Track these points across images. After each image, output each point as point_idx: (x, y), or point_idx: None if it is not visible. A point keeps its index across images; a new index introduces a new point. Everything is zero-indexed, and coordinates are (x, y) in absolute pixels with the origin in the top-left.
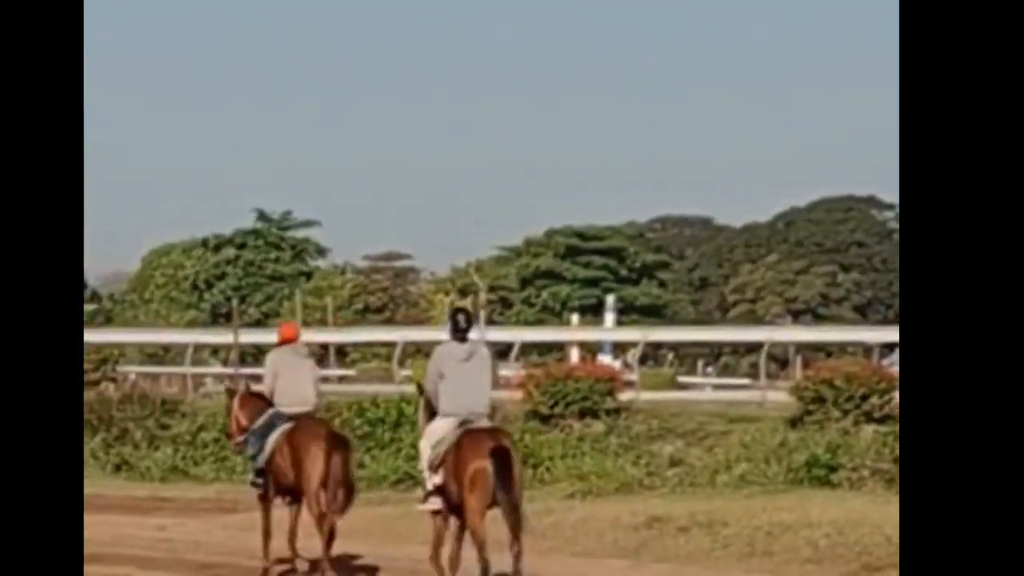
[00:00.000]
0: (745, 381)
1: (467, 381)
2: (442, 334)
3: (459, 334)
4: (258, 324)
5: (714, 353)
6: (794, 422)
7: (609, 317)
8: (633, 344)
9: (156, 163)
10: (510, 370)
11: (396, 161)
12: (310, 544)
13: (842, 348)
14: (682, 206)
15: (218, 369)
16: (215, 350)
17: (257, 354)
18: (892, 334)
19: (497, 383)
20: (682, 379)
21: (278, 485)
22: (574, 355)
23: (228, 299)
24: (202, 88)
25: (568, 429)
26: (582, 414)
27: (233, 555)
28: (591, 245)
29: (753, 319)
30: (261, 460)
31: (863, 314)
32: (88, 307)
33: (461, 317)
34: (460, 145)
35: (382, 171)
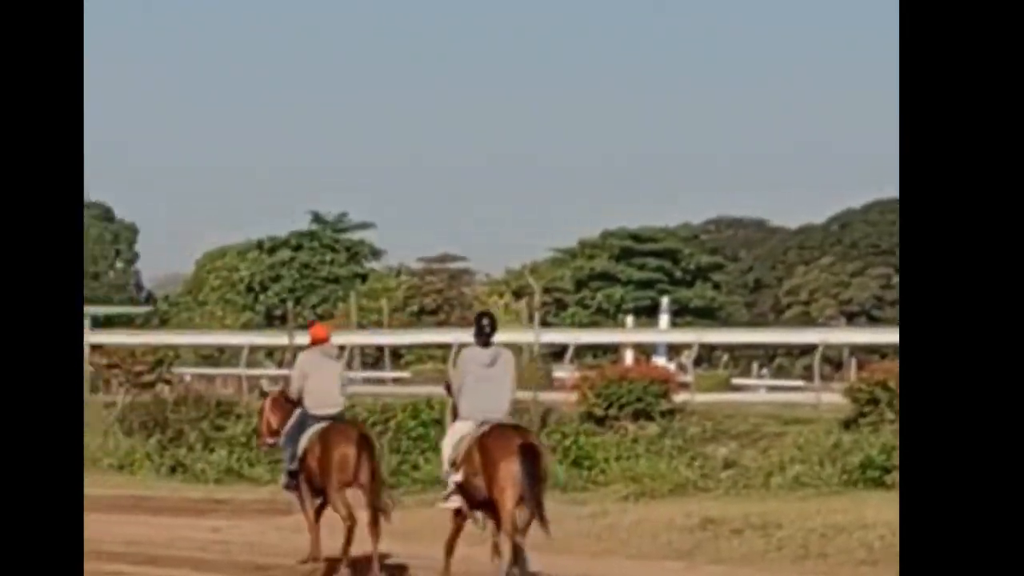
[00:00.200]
0: (799, 383)
1: (489, 385)
2: (496, 335)
3: (483, 338)
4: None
5: (768, 355)
6: (848, 424)
7: (663, 319)
8: (687, 346)
9: (209, 165)
10: (564, 372)
11: (451, 163)
12: (336, 543)
13: (896, 350)
14: (736, 208)
15: (273, 371)
16: (270, 352)
17: None
18: None
19: (550, 385)
20: (736, 381)
21: (310, 486)
22: (628, 357)
23: (283, 301)
24: (258, 90)
25: (622, 431)
26: (636, 416)
27: (287, 557)
28: (646, 247)
29: (807, 321)
30: (293, 463)
31: None
32: (143, 309)
33: (485, 322)
34: (514, 147)
35: (437, 173)
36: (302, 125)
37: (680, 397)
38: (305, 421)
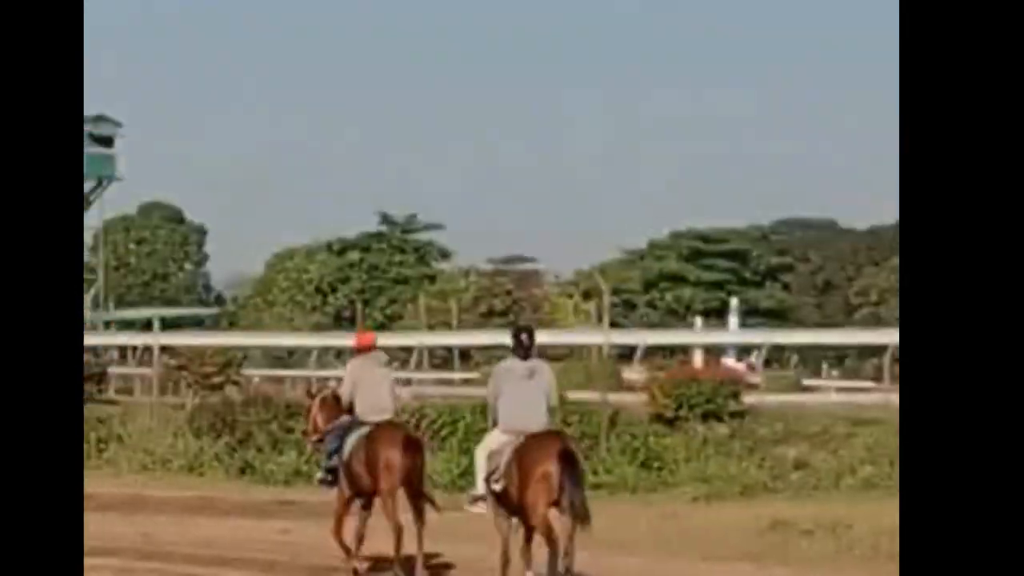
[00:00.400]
0: (869, 384)
1: (526, 399)
2: (567, 336)
3: (521, 351)
4: (382, 327)
5: (838, 356)
6: None
7: (733, 320)
8: (757, 347)
9: (279, 166)
10: (634, 373)
11: (521, 163)
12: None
13: None
14: (806, 208)
15: (342, 372)
16: (339, 353)
17: None
18: None
19: (620, 386)
20: (806, 382)
21: (353, 487)
22: (698, 358)
23: (352, 302)
24: (328, 91)
25: (692, 432)
26: (706, 417)
27: (354, 559)
28: (715, 248)
29: (877, 322)
30: (335, 460)
31: None
32: (212, 310)
33: (524, 336)
34: (584, 147)
35: (506, 173)
36: (372, 126)
37: (750, 398)
38: (353, 424)
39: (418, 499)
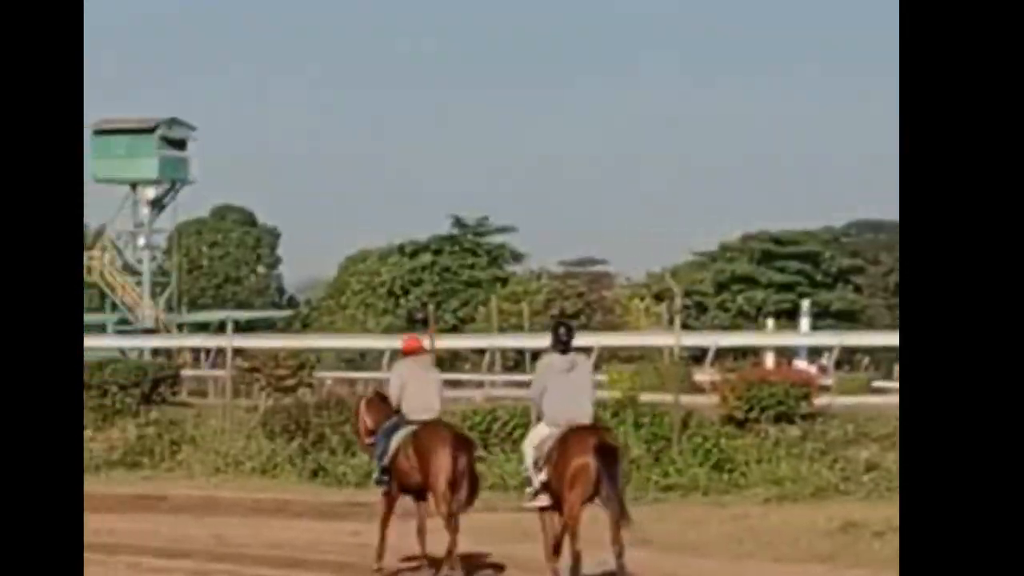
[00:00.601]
0: None
1: (569, 391)
2: (638, 338)
3: (561, 346)
4: (454, 330)
5: None
6: None
7: (804, 322)
8: (828, 349)
9: (351, 170)
10: (705, 375)
11: (592, 165)
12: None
13: None
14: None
15: None
16: None
17: (453, 360)
18: None
19: (691, 388)
20: (877, 384)
21: (402, 484)
22: (769, 360)
23: (424, 305)
24: (401, 94)
25: (763, 434)
26: (777, 419)
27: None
28: (786, 250)
29: None
30: (385, 459)
31: None
32: (285, 313)
33: (563, 330)
34: (655, 148)
35: (578, 175)
36: (444, 128)
37: (821, 400)
38: (400, 423)
39: (472, 492)
